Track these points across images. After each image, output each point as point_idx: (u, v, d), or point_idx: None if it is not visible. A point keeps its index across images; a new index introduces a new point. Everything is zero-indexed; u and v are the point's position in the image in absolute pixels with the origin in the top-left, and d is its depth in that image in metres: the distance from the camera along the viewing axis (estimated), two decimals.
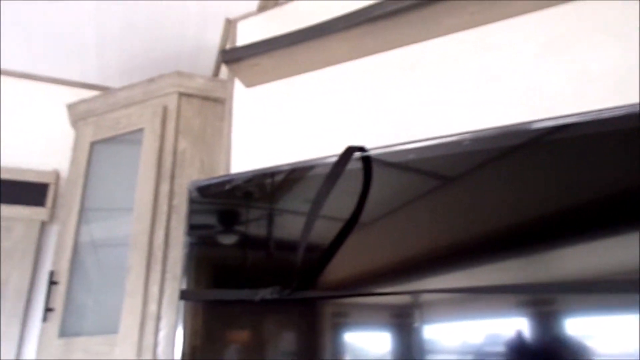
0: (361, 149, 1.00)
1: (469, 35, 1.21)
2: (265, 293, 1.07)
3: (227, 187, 1.24)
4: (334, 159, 0.99)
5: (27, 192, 1.58)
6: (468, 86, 1.15)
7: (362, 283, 1.00)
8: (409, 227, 0.96)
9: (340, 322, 1.01)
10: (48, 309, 1.38)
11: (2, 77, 1.76)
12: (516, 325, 0.78)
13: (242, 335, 1.14)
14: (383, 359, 0.91)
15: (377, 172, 1.02)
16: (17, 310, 1.47)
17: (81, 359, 1.30)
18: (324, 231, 1.05)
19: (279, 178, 1.19)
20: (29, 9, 1.47)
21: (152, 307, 1.30)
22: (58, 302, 1.39)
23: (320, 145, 1.32)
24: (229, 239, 1.22)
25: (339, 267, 1.02)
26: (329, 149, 1.15)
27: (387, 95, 1.25)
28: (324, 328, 1.02)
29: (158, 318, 1.29)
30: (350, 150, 0.98)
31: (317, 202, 1.00)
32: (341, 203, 1.04)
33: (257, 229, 1.19)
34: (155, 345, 1.26)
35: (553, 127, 0.84)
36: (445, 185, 0.95)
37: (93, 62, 1.74)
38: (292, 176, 1.15)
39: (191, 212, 1.25)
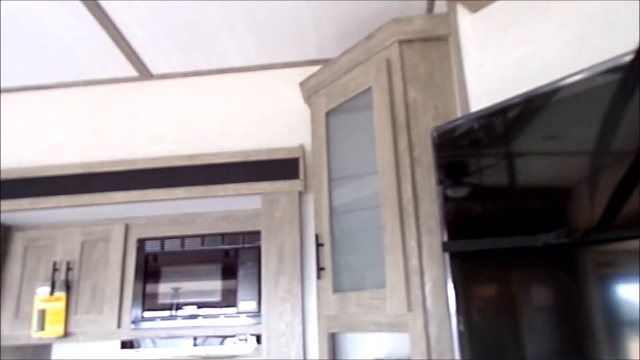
0: None
1: None
2: (549, 238, 0.92)
3: (474, 125, 1.11)
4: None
5: (283, 168, 1.78)
6: None
7: None
8: None
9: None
10: (320, 268, 1.52)
11: (238, 74, 2.01)
12: None
13: (515, 286, 1.02)
14: None
15: None
16: (295, 270, 1.68)
17: (358, 312, 1.39)
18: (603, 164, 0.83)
19: (534, 106, 1.00)
20: (258, 4, 1.61)
21: (413, 262, 1.28)
22: (327, 262, 1.52)
23: (572, 61, 1.06)
24: (485, 182, 1.09)
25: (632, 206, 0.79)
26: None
27: None
28: (615, 277, 0.81)
29: (421, 272, 1.27)
30: None
31: (610, 121, 0.78)
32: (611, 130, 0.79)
33: (517, 167, 1.03)
34: (424, 298, 1.25)
35: None
36: None
37: (312, 39, 1.82)
38: (554, 100, 0.94)
39: (439, 160, 1.17)
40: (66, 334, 1.88)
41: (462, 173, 1.13)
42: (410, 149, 1.36)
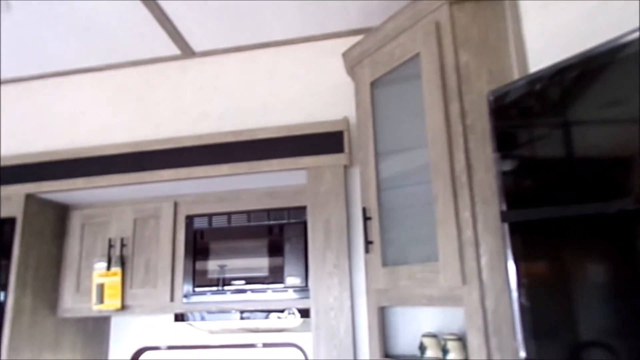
0: None
1: None
2: (625, 203, 0.84)
3: (535, 87, 1.03)
4: None
5: (327, 142, 1.75)
6: None
7: None
8: None
9: None
10: (368, 242, 1.50)
11: (280, 47, 1.98)
12: None
13: (581, 257, 0.95)
14: None
15: None
16: (342, 245, 1.66)
17: (409, 285, 1.36)
18: None
19: (598, 63, 0.91)
20: None
21: (468, 233, 1.23)
22: (375, 235, 1.49)
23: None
24: (546, 148, 1.02)
25: None
26: None
27: None
28: None
29: (476, 244, 1.21)
30: None
31: None
32: None
33: (580, 131, 0.95)
34: (479, 271, 1.20)
35: None
36: None
37: (355, 7, 1.76)
38: (622, 56, 0.85)
39: (495, 125, 1.11)
40: (123, 307, 1.96)
41: (521, 138, 1.06)
42: (463, 116, 1.29)
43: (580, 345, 0.94)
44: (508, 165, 1.07)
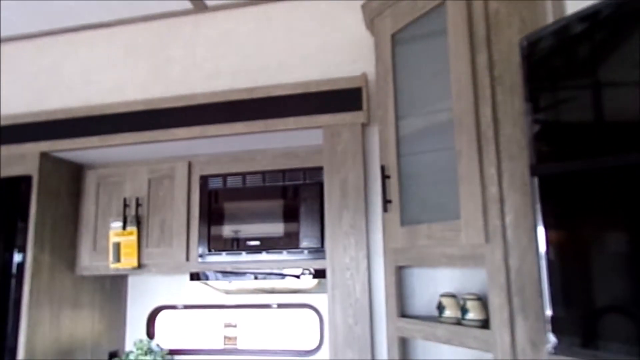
0: None
1: None
2: None
3: (575, 30, 0.95)
4: None
5: (345, 99, 1.69)
6: None
7: None
8: None
9: None
10: (387, 201, 1.45)
11: (296, 1, 1.89)
12: None
13: (616, 213, 0.89)
14: None
15: None
16: (359, 204, 1.63)
17: (428, 245, 1.32)
18: None
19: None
20: None
21: (492, 190, 1.18)
22: (394, 194, 1.45)
23: None
24: (584, 97, 0.95)
25: None
26: None
27: None
28: None
29: (501, 201, 1.16)
30: None
31: None
32: None
33: (622, 75, 0.87)
34: (504, 229, 1.15)
35: None
36: None
37: None
38: None
39: (528, 73, 1.03)
40: (140, 266, 1.97)
41: (556, 87, 0.99)
42: (491, 68, 1.22)
43: (612, 307, 0.90)
44: (540, 116, 1.00)
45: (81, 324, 2.07)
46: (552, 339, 0.92)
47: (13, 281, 1.84)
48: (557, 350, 0.91)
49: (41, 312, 1.86)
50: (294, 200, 1.88)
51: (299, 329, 2.27)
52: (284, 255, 1.84)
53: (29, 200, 1.88)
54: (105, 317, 2.22)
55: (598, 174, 0.90)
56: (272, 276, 1.90)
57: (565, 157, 0.96)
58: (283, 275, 1.89)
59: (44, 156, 1.94)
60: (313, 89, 1.71)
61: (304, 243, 1.83)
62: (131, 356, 2.14)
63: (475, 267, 1.34)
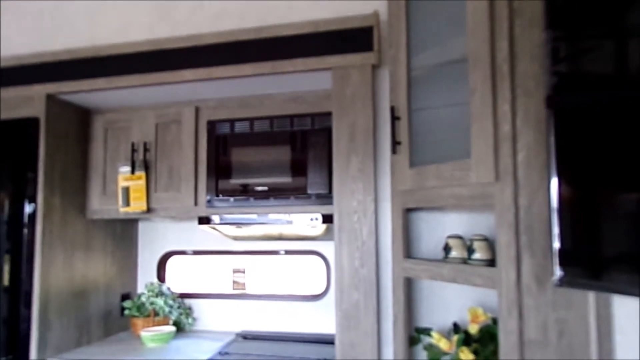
0: None
1: None
2: None
3: None
4: None
5: (355, 39, 1.63)
6: None
7: None
8: None
9: None
10: (396, 142, 1.43)
11: None
12: None
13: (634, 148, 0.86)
14: None
15: None
16: (368, 148, 1.60)
17: (436, 185, 1.30)
18: None
19: None
20: None
21: (505, 128, 1.14)
22: (403, 136, 1.42)
23: None
24: (606, 23, 0.89)
25: None
26: None
27: None
28: None
29: (514, 139, 1.13)
30: None
31: None
32: None
33: None
34: (515, 167, 1.12)
35: None
36: None
37: None
38: None
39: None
40: (149, 210, 1.99)
41: (579, 14, 0.94)
42: None
43: (620, 242, 0.88)
44: (559, 46, 0.95)
45: (94, 267, 2.12)
46: (558, 271, 0.91)
47: (25, 230, 1.85)
48: (563, 282, 0.90)
49: (54, 254, 1.90)
50: (302, 146, 1.86)
51: (306, 276, 2.31)
52: (292, 201, 1.85)
53: (37, 143, 1.88)
54: (117, 261, 2.27)
55: (615, 106, 0.86)
56: (280, 221, 1.90)
57: (581, 89, 0.92)
58: (291, 222, 1.89)
59: (51, 98, 1.92)
60: (322, 28, 1.65)
61: (311, 189, 1.82)
62: (143, 297, 2.21)
63: (484, 208, 1.32)
